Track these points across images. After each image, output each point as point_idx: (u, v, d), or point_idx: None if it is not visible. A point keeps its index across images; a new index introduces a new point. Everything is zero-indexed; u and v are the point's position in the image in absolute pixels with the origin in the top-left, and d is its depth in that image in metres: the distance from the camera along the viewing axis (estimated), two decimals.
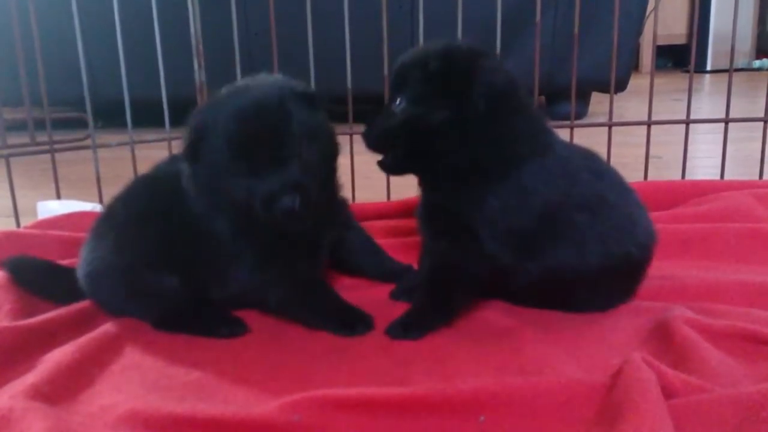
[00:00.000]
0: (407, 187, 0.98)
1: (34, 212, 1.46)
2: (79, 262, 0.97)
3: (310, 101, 0.89)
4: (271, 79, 0.92)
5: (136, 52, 1.65)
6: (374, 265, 1.09)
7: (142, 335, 0.90)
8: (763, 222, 1.21)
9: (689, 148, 1.57)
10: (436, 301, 0.91)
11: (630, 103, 3.08)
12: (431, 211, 0.94)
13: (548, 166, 0.89)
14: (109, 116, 2.68)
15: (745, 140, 1.97)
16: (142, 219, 0.94)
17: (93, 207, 1.41)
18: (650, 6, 2.75)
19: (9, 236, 1.20)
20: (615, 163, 1.03)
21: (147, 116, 1.73)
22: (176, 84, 1.55)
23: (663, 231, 0.97)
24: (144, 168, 1.04)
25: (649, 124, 1.55)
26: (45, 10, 1.65)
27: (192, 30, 1.58)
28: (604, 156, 1.45)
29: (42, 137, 1.54)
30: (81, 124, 1.90)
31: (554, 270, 0.89)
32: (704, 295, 0.94)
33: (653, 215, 0.98)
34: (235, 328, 0.91)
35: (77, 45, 1.41)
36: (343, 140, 1.00)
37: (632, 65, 2.98)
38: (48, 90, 1.43)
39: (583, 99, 2.88)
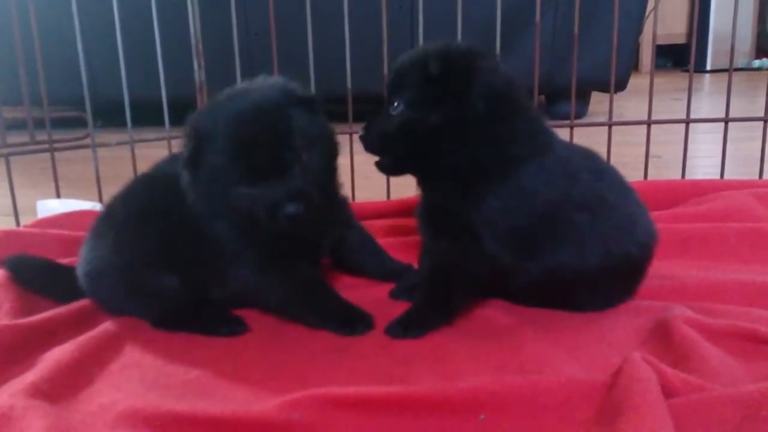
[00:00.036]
0: (407, 187, 0.98)
1: (34, 211, 1.46)
2: (78, 261, 0.97)
3: (310, 105, 0.89)
4: (270, 82, 0.91)
5: (136, 52, 1.65)
6: (374, 265, 1.09)
7: (141, 334, 0.90)
8: (763, 221, 1.21)
9: (689, 147, 1.57)
10: (436, 301, 0.91)
11: (630, 103, 3.08)
12: (431, 211, 0.94)
13: (548, 166, 0.89)
14: (109, 115, 2.68)
15: (745, 140, 1.97)
16: (142, 218, 0.94)
17: (93, 206, 1.41)
18: (650, 5, 2.75)
19: (9, 235, 1.20)
20: (615, 162, 1.03)
21: (147, 115, 1.73)
22: (176, 83, 1.55)
23: (663, 230, 0.97)
24: (144, 167, 1.04)
25: (649, 123, 1.55)
26: (45, 9, 1.66)
27: (192, 30, 1.58)
28: (604, 155, 1.45)
29: (42, 136, 1.54)
30: (81, 123, 1.90)
31: (554, 270, 0.89)
32: (704, 295, 0.94)
33: (653, 215, 0.98)
34: (235, 327, 0.91)
35: (77, 44, 1.41)
36: (342, 140, 1.00)
37: (632, 65, 2.98)
38: (48, 89, 1.43)
39: (583, 98, 2.88)
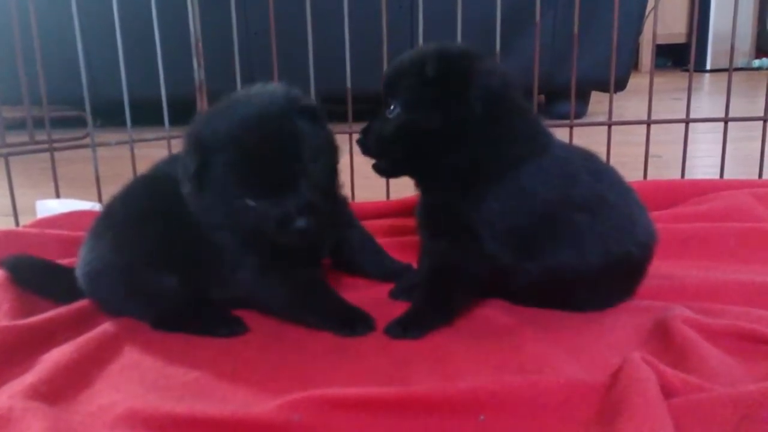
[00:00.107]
0: (407, 187, 0.98)
1: (33, 211, 1.46)
2: (78, 262, 0.97)
3: (313, 114, 0.88)
4: (272, 90, 0.89)
5: (136, 51, 1.65)
6: (375, 264, 1.09)
7: (140, 335, 0.90)
8: (763, 221, 1.21)
9: (689, 147, 1.57)
10: (435, 301, 0.91)
11: (629, 103, 3.08)
12: (430, 212, 0.94)
13: (546, 167, 0.89)
14: (109, 115, 2.68)
15: (745, 139, 1.97)
16: (142, 218, 0.93)
17: (92, 206, 1.41)
18: (650, 5, 2.75)
19: (8, 235, 1.20)
20: (614, 162, 1.03)
21: (146, 115, 1.72)
22: (176, 83, 1.55)
23: (663, 230, 0.97)
24: (143, 167, 1.04)
25: (648, 123, 1.55)
26: (45, 9, 1.65)
27: (191, 29, 1.58)
28: (604, 155, 1.45)
29: (41, 136, 1.54)
30: (80, 122, 1.90)
31: (554, 270, 0.89)
32: (704, 295, 0.94)
33: (653, 215, 0.98)
34: (235, 328, 0.91)
35: (77, 44, 1.41)
36: (342, 140, 1.00)
37: (632, 64, 2.98)
38: (47, 89, 1.43)
39: (583, 98, 2.88)
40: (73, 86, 1.61)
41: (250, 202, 0.83)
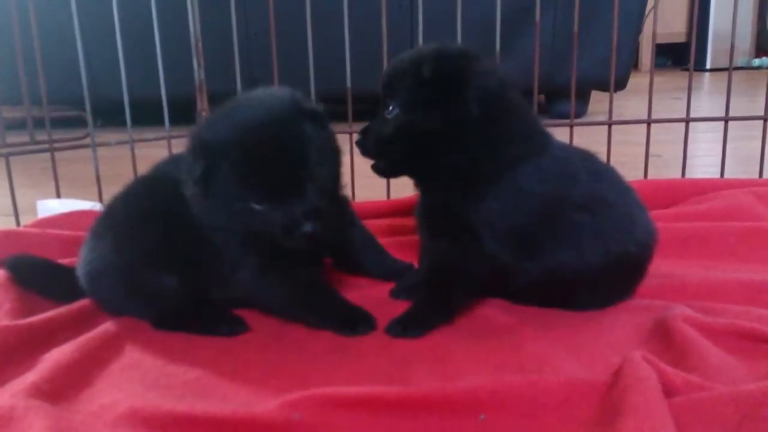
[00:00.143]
0: (407, 187, 0.98)
1: (34, 211, 1.46)
2: (78, 261, 0.97)
3: (318, 119, 0.88)
4: (278, 95, 0.88)
5: (136, 51, 1.65)
6: (376, 264, 1.09)
7: (141, 334, 0.90)
8: (764, 221, 1.21)
9: (689, 146, 1.57)
10: (435, 300, 0.91)
11: (630, 102, 3.08)
12: (430, 212, 0.94)
13: (545, 167, 0.89)
14: (109, 115, 2.68)
15: (745, 138, 1.97)
16: (142, 218, 0.93)
17: (92, 206, 1.41)
18: (650, 4, 2.75)
19: (8, 235, 1.20)
20: (615, 161, 1.03)
21: (146, 115, 1.73)
22: (176, 83, 1.55)
23: (663, 230, 0.97)
24: (144, 167, 1.04)
25: (648, 122, 1.55)
26: (45, 9, 1.66)
27: (191, 29, 1.58)
28: (604, 155, 1.45)
29: (41, 136, 1.54)
30: (80, 122, 1.90)
31: (554, 269, 0.89)
32: (704, 294, 0.94)
33: (653, 214, 0.98)
34: (235, 327, 0.91)
35: (77, 44, 1.41)
36: (342, 139, 1.00)
37: (632, 64, 2.98)
38: (47, 89, 1.43)
39: (583, 98, 2.88)
40: (73, 86, 1.61)
41: (256, 206, 0.83)
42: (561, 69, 2.51)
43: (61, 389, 0.75)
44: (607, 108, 1.60)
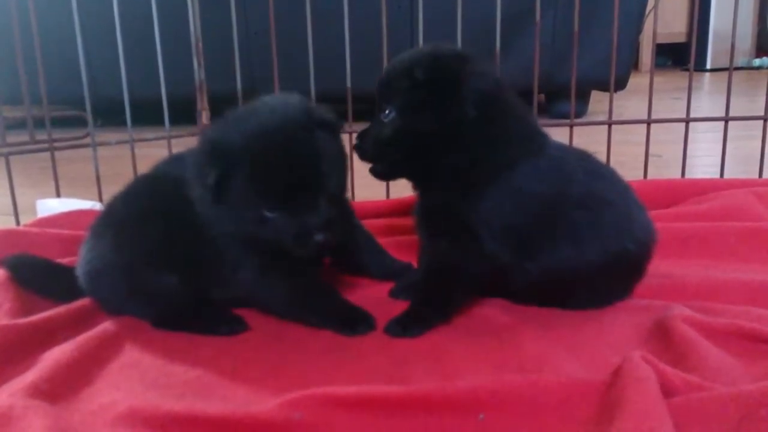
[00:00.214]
0: (407, 186, 0.98)
1: (34, 210, 1.46)
2: (78, 261, 0.97)
3: (331, 128, 0.88)
4: (292, 104, 0.88)
5: (136, 51, 1.65)
6: (375, 264, 1.09)
7: (141, 333, 0.90)
8: (763, 220, 1.21)
9: (689, 146, 1.57)
10: (434, 300, 0.91)
11: (630, 102, 3.07)
12: (429, 212, 0.94)
13: (542, 167, 0.89)
14: (109, 115, 2.68)
15: (745, 138, 1.97)
16: (142, 218, 0.93)
17: (92, 205, 1.41)
18: (650, 4, 2.75)
19: (8, 234, 1.20)
20: (614, 161, 1.03)
21: (147, 115, 1.73)
22: (176, 83, 1.55)
23: (663, 229, 0.97)
24: (144, 166, 1.04)
25: (648, 122, 1.55)
26: (45, 8, 1.66)
27: (191, 29, 1.58)
28: (604, 154, 1.46)
29: (41, 135, 1.54)
30: (80, 122, 1.90)
31: (553, 268, 0.89)
32: (704, 294, 0.94)
33: (653, 214, 0.98)
34: (235, 327, 0.91)
35: (77, 43, 1.41)
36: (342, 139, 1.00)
37: (632, 64, 2.98)
38: (48, 88, 1.43)
39: (583, 98, 2.88)
40: (74, 86, 1.62)
41: (269, 214, 0.83)
42: (561, 69, 2.51)
43: (60, 389, 0.75)
44: (607, 108, 1.60)
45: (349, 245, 1.07)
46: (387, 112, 0.90)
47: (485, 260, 0.88)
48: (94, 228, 0.97)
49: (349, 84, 1.48)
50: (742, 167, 1.78)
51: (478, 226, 0.87)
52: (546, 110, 2.91)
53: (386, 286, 1.03)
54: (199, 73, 1.61)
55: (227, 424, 0.66)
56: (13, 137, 1.50)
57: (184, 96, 1.69)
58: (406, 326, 0.88)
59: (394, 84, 0.90)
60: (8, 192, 1.39)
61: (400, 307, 0.92)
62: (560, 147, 0.95)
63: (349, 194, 1.08)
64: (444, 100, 0.86)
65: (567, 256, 0.88)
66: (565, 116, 1.66)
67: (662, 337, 0.81)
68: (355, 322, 0.90)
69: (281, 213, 0.83)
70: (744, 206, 1.27)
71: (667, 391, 0.66)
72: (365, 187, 1.42)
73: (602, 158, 0.99)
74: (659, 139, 1.72)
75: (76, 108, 2.27)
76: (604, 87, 2.56)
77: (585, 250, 0.88)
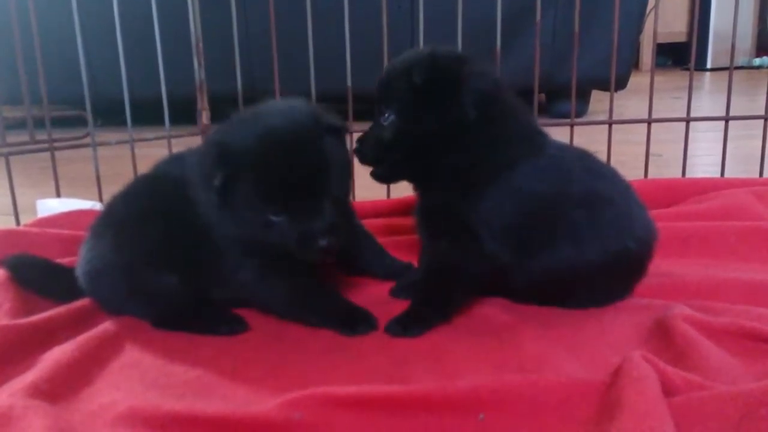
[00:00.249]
0: (407, 186, 0.98)
1: (34, 210, 1.46)
2: (78, 261, 0.97)
3: (338, 134, 0.88)
4: (299, 108, 0.88)
5: (136, 51, 1.65)
6: (375, 263, 1.09)
7: (141, 333, 0.90)
8: (764, 220, 1.21)
9: (689, 146, 1.57)
10: (435, 300, 0.91)
11: (630, 102, 3.07)
12: (429, 212, 0.94)
13: (542, 166, 0.89)
14: (109, 114, 2.68)
15: (746, 138, 1.97)
16: (142, 218, 0.93)
17: (92, 205, 1.41)
18: (650, 4, 2.75)
19: (8, 234, 1.20)
20: (615, 161, 1.03)
21: (147, 114, 1.73)
22: (176, 83, 1.55)
23: (663, 229, 0.97)
24: (144, 166, 1.04)
25: (649, 122, 1.55)
26: (45, 8, 1.65)
27: (192, 29, 1.58)
28: (604, 154, 1.46)
29: (41, 135, 1.54)
30: (80, 122, 1.90)
31: (554, 267, 0.89)
32: (704, 293, 0.94)
33: (653, 213, 0.98)
34: (235, 326, 0.91)
35: (77, 43, 1.41)
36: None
37: (632, 63, 2.98)
38: (48, 88, 1.43)
39: (584, 97, 2.88)
40: (74, 86, 1.62)
41: (273, 218, 0.83)
42: (561, 68, 2.51)
43: (60, 388, 0.75)
44: (607, 107, 1.60)
45: (350, 245, 1.07)
46: (386, 115, 0.90)
47: (485, 260, 0.88)
48: (94, 228, 0.97)
49: (349, 84, 1.48)
50: (742, 167, 1.78)
51: (478, 226, 0.87)
52: (546, 110, 2.91)
53: (386, 286, 1.03)
54: (199, 72, 1.61)
55: (227, 424, 0.66)
56: (13, 137, 1.50)
57: (184, 96, 1.68)
58: (406, 326, 0.88)
59: (392, 87, 0.90)
60: (8, 192, 1.39)
61: (400, 306, 0.92)
62: (560, 146, 0.95)
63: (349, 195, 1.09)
64: (444, 102, 0.86)
65: (567, 255, 0.88)
66: (566, 116, 1.66)
67: (663, 337, 0.81)
68: (356, 321, 0.90)
69: (287, 217, 0.83)
70: (744, 205, 1.27)
71: (668, 390, 0.66)
72: (365, 187, 1.42)
73: (603, 158, 0.99)
74: (660, 138, 1.71)
75: (76, 108, 2.27)
76: (604, 86, 2.56)
77: (585, 249, 0.88)
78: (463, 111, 0.86)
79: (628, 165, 1.16)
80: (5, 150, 1.42)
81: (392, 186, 1.48)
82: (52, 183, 1.47)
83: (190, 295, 0.92)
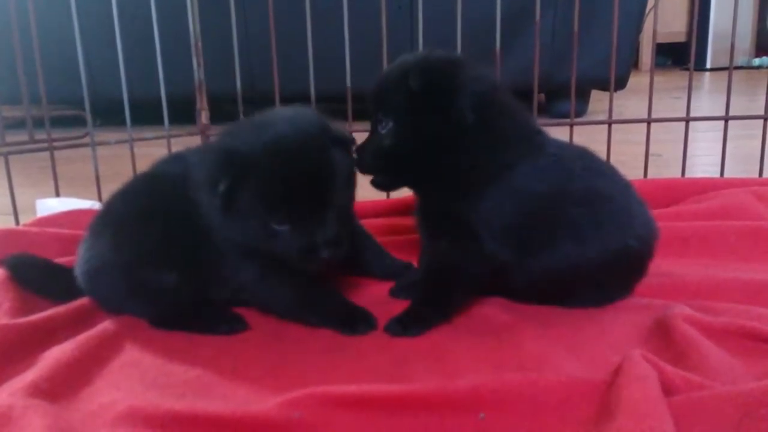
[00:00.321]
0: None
1: (33, 210, 1.46)
2: (77, 260, 0.97)
3: (344, 145, 0.88)
4: (307, 119, 0.87)
5: (136, 51, 1.65)
6: (375, 263, 1.09)
7: (141, 333, 0.90)
8: (763, 220, 1.21)
9: (689, 145, 1.57)
10: (434, 299, 0.91)
11: (630, 101, 3.08)
12: (429, 213, 0.94)
13: (542, 165, 0.89)
14: (108, 114, 2.68)
15: (745, 138, 1.97)
16: (141, 217, 0.93)
17: (92, 205, 1.41)
18: (650, 4, 2.75)
19: (8, 234, 1.20)
20: (615, 161, 1.03)
21: (146, 114, 1.73)
22: (175, 83, 1.55)
23: (663, 229, 0.97)
24: (143, 166, 1.04)
25: (648, 121, 1.55)
26: (44, 8, 1.65)
27: (191, 29, 1.58)
28: (604, 154, 1.45)
29: (41, 135, 1.53)
30: (80, 122, 1.90)
31: (554, 267, 0.89)
32: (704, 293, 0.94)
33: (653, 213, 0.98)
34: (235, 326, 0.91)
35: (76, 43, 1.41)
36: None
37: (632, 63, 2.98)
38: (47, 88, 1.42)
39: (583, 97, 2.88)
40: (73, 85, 1.62)
41: (276, 227, 0.83)
42: (561, 68, 2.51)
43: (60, 388, 0.74)
44: (607, 107, 1.60)
45: (350, 246, 1.07)
46: (384, 123, 0.90)
47: (485, 260, 0.88)
48: (93, 227, 0.97)
49: (348, 84, 1.48)
50: (742, 166, 1.78)
51: (478, 226, 0.87)
52: (546, 110, 2.91)
53: (386, 286, 1.03)
54: (198, 72, 1.61)
55: (227, 424, 0.66)
56: (12, 137, 1.50)
57: (184, 96, 1.68)
58: (406, 325, 0.88)
59: (389, 94, 0.90)
60: (8, 192, 1.39)
61: (400, 306, 0.92)
62: (560, 145, 0.95)
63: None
64: (441, 107, 0.86)
65: (568, 254, 0.88)
66: (565, 116, 1.66)
67: (663, 336, 0.81)
68: (355, 321, 0.89)
69: (290, 226, 0.83)
70: (744, 205, 1.27)
71: (668, 390, 0.66)
72: (365, 187, 1.42)
73: (602, 157, 0.99)
74: (659, 138, 1.72)
75: (75, 108, 2.27)
76: (604, 86, 2.57)
77: (586, 247, 0.88)
78: (461, 114, 0.86)
79: (627, 165, 1.16)
80: (4, 149, 1.42)
81: None
82: (52, 182, 1.47)
83: (189, 295, 0.92)
